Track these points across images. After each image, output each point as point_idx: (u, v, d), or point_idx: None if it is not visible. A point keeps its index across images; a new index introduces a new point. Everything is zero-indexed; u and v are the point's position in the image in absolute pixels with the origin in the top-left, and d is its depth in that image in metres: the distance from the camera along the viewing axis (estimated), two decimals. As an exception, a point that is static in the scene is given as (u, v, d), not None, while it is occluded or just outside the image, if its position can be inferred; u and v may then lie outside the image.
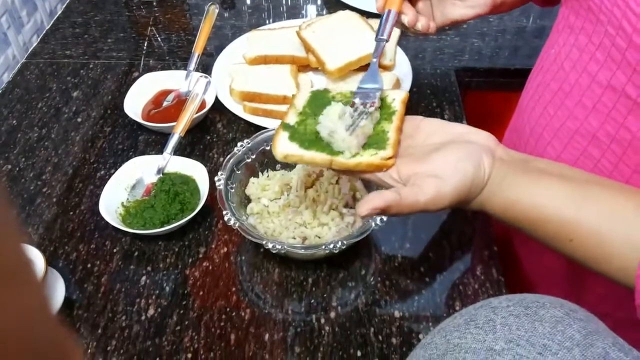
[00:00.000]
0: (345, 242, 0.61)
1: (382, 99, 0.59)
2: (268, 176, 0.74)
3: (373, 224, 0.62)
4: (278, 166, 0.75)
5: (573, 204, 0.49)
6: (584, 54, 0.60)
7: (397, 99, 0.58)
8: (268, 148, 0.73)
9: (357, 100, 0.58)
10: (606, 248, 0.48)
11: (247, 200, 0.72)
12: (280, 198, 0.71)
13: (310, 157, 0.54)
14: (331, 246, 0.61)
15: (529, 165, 0.53)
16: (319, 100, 0.59)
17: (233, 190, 0.69)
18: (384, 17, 0.64)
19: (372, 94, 0.59)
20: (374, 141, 0.54)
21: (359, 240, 0.63)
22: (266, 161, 0.74)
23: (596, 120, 0.60)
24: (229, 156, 0.70)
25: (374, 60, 0.62)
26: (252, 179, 0.73)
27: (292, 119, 0.58)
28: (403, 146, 0.55)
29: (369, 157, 0.53)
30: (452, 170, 0.51)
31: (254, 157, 0.73)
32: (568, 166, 0.55)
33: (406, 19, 0.67)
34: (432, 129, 0.56)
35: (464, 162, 0.51)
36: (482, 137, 0.55)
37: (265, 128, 0.87)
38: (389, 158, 0.53)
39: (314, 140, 0.55)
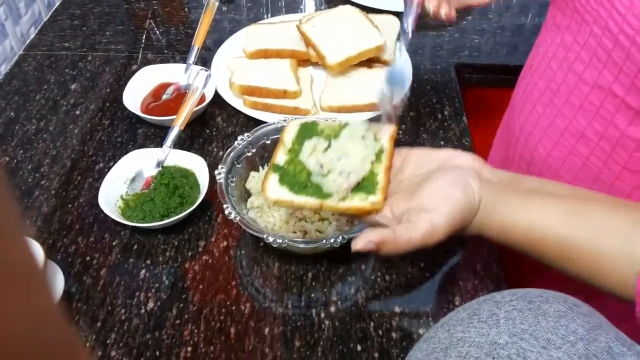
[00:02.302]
0: (346, 236, 0.61)
1: (374, 137, 0.58)
2: None
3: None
4: None
5: (568, 222, 0.49)
6: (569, 53, 0.61)
7: (385, 135, 0.58)
8: (268, 142, 0.73)
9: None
10: (604, 264, 0.48)
11: (247, 194, 0.72)
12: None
13: (300, 202, 0.54)
14: (332, 240, 0.61)
15: (520, 185, 0.53)
16: (307, 135, 0.58)
17: (233, 184, 0.69)
18: (407, 7, 0.65)
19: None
20: (364, 184, 0.54)
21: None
22: (266, 155, 0.74)
23: (584, 118, 0.60)
24: (229, 150, 0.70)
25: (400, 52, 0.64)
26: (253, 173, 0.73)
27: (281, 158, 0.57)
28: (393, 182, 0.55)
29: (359, 202, 0.53)
30: (441, 200, 0.50)
31: (254, 150, 0.72)
32: (560, 183, 0.55)
33: (431, 7, 0.68)
34: (419, 159, 0.57)
35: (451, 188, 0.51)
36: (466, 160, 0.55)
37: (264, 122, 0.87)
38: (380, 202, 0.53)
39: (304, 182, 0.55)
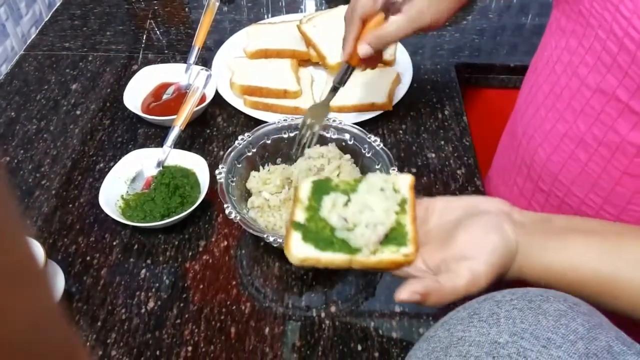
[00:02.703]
0: None
1: (392, 187, 0.56)
2: (269, 170, 0.74)
3: None
4: (279, 160, 0.75)
5: (607, 259, 0.48)
6: (574, 57, 0.60)
7: (404, 184, 0.56)
8: (269, 142, 0.73)
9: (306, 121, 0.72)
10: None
11: (248, 193, 0.72)
12: (281, 192, 0.71)
13: (328, 259, 0.51)
14: None
15: (552, 225, 0.51)
16: (322, 192, 0.56)
17: (234, 184, 0.69)
18: (344, 70, 0.74)
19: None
20: (393, 236, 0.52)
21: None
22: (267, 155, 0.74)
23: (584, 123, 0.60)
24: (229, 149, 0.70)
25: (329, 96, 0.74)
26: (253, 173, 0.73)
27: (300, 216, 0.54)
28: (420, 232, 0.53)
29: (391, 254, 0.51)
30: (480, 246, 0.49)
31: (254, 150, 0.73)
32: (588, 219, 0.54)
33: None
34: (441, 207, 0.55)
35: (488, 235, 0.49)
36: (494, 204, 0.53)
37: (265, 122, 0.87)
38: (412, 254, 0.50)
39: (329, 238, 0.52)
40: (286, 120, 0.74)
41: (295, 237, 0.52)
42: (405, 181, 0.56)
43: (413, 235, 0.51)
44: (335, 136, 0.74)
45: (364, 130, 0.73)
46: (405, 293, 0.47)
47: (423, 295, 0.47)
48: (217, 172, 0.68)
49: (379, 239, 0.51)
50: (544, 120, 0.66)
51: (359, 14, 0.70)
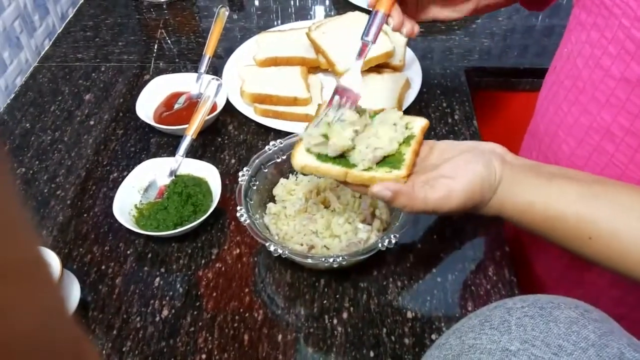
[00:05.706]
0: (346, 257, 0.61)
1: (405, 125, 0.61)
2: (296, 180, 0.74)
3: (380, 245, 0.62)
4: None
5: (587, 202, 0.50)
6: (595, 50, 0.60)
7: (417, 125, 0.61)
8: None
9: (336, 98, 0.61)
10: (623, 244, 0.49)
11: (269, 199, 0.73)
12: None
13: (325, 169, 0.56)
14: (331, 260, 0.61)
15: (541, 169, 0.55)
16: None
17: (255, 188, 0.70)
18: (372, 18, 0.62)
19: (351, 97, 0.62)
20: (390, 161, 0.57)
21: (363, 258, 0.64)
22: None
23: (609, 114, 0.60)
24: (258, 154, 0.72)
25: (358, 61, 0.62)
26: (282, 180, 0.73)
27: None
28: (419, 167, 0.58)
29: (383, 173, 0.55)
30: (463, 170, 0.53)
31: (284, 157, 0.74)
32: (579, 171, 0.57)
33: (392, 23, 0.65)
34: (444, 148, 0.59)
35: (473, 163, 0.53)
36: (490, 145, 0.58)
37: (276, 130, 0.88)
38: (403, 177, 0.55)
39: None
40: None
41: (302, 148, 0.58)
42: (419, 123, 0.61)
43: (409, 163, 0.56)
44: None
45: None
46: (377, 187, 0.53)
47: (394, 193, 0.52)
48: (240, 173, 0.69)
49: (375, 159, 0.56)
50: (566, 115, 0.66)
51: None
